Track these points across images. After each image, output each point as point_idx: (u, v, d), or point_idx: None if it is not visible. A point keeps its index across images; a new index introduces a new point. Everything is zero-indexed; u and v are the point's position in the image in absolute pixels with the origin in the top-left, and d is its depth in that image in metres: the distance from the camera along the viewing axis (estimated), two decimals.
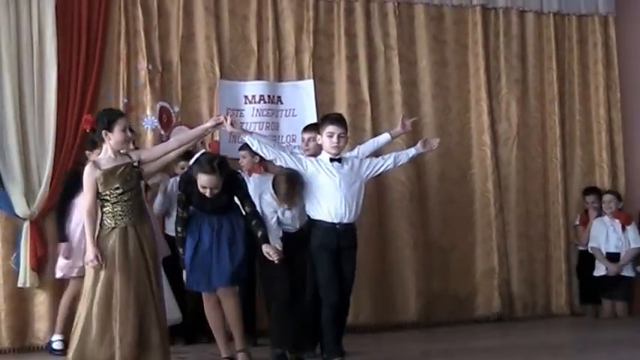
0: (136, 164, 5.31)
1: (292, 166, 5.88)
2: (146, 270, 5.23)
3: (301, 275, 5.98)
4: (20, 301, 6.73)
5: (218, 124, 5.78)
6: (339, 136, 5.88)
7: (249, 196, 5.89)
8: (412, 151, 6.29)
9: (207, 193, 5.62)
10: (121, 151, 5.27)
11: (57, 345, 6.49)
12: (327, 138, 5.89)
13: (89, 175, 5.20)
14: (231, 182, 5.77)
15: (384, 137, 6.50)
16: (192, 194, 5.70)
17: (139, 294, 5.15)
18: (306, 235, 5.96)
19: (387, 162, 6.12)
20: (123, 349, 5.07)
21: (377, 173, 6.18)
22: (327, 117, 6.15)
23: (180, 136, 5.89)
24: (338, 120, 6.00)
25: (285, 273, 5.88)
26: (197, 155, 5.96)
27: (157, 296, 5.29)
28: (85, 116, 5.91)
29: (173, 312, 6.34)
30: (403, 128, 6.51)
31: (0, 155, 6.66)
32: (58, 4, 6.90)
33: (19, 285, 6.60)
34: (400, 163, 6.26)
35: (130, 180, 5.24)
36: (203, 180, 5.61)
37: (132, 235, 5.20)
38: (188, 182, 5.73)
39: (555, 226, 8.51)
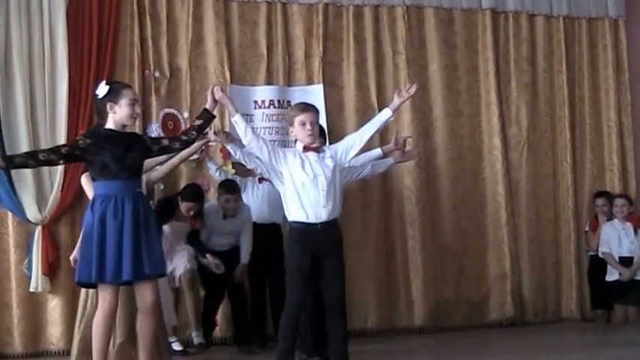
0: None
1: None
2: None
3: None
4: (33, 306, 6.80)
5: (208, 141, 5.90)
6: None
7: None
8: (390, 161, 6.18)
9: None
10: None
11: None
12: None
13: (87, 184, 5.27)
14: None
15: (376, 152, 6.18)
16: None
17: (129, 295, 5.12)
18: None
19: (365, 170, 5.97)
20: (116, 350, 5.22)
21: (353, 180, 6.00)
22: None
23: (182, 153, 5.74)
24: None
25: None
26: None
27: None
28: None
29: (170, 317, 6.43)
30: (396, 145, 6.16)
31: None
32: (69, 13, 6.97)
33: (32, 290, 6.67)
34: (377, 172, 6.21)
35: None
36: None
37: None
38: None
39: (566, 230, 8.48)
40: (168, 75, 7.35)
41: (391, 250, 7.88)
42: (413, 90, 5.62)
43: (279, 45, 7.67)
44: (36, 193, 6.76)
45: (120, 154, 4.79)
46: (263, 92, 7.57)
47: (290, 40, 7.74)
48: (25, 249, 6.83)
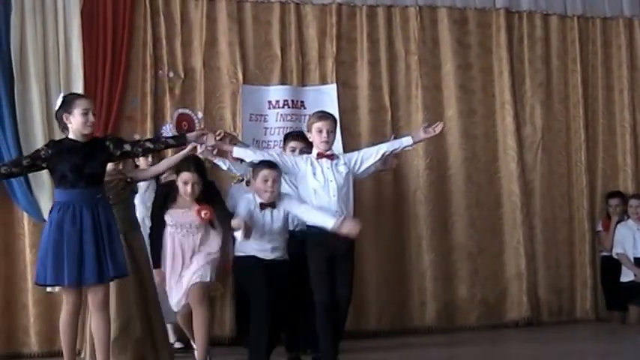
0: (129, 180, 5.82)
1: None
2: (137, 275, 5.70)
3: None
4: (49, 306, 6.80)
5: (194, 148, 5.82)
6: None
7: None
8: (408, 141, 5.99)
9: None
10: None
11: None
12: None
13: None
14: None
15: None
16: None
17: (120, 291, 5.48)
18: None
19: (378, 154, 5.93)
20: (112, 345, 5.46)
21: (365, 167, 5.97)
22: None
23: (170, 159, 6.04)
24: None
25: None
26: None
27: (153, 300, 5.87)
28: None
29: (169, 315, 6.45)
30: (425, 132, 6.04)
31: None
32: (83, 13, 6.99)
33: (48, 290, 6.63)
34: (391, 153, 6.05)
35: (123, 193, 5.75)
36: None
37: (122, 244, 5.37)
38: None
39: (580, 230, 8.46)
40: (182, 75, 7.37)
41: (403, 250, 7.88)
42: (439, 129, 5.91)
43: (293, 45, 7.68)
44: (51, 194, 6.73)
45: (78, 163, 5.05)
46: (277, 92, 7.57)
47: (304, 41, 7.74)
48: None
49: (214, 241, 5.97)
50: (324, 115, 5.96)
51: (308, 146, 6.11)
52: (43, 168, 5.19)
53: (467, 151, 8.16)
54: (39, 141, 6.74)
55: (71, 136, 5.20)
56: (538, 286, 8.29)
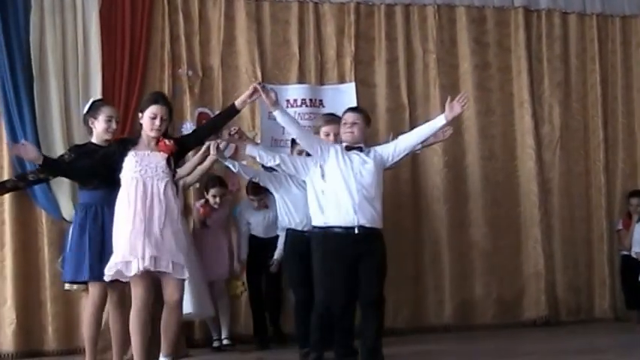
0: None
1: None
2: None
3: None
4: (67, 303, 6.82)
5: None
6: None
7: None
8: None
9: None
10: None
11: None
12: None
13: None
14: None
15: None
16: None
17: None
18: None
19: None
20: None
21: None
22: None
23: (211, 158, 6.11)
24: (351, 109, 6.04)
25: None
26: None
27: None
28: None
29: (206, 308, 6.59)
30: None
31: None
32: (102, 12, 7.01)
33: (66, 288, 6.63)
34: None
35: None
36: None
37: None
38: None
39: (598, 229, 8.42)
40: (200, 74, 7.38)
41: (420, 248, 7.87)
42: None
43: (311, 44, 7.69)
44: (70, 192, 6.75)
45: (88, 176, 5.40)
46: (295, 91, 7.58)
47: (322, 39, 7.75)
48: (59, 247, 6.81)
49: None
50: (332, 120, 6.12)
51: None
52: (62, 175, 5.54)
53: (484, 150, 8.15)
54: (57, 139, 6.80)
55: (94, 140, 5.57)
56: (556, 285, 8.26)
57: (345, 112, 5.95)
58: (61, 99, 6.87)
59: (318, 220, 5.70)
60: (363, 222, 5.54)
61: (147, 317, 5.10)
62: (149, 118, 5.19)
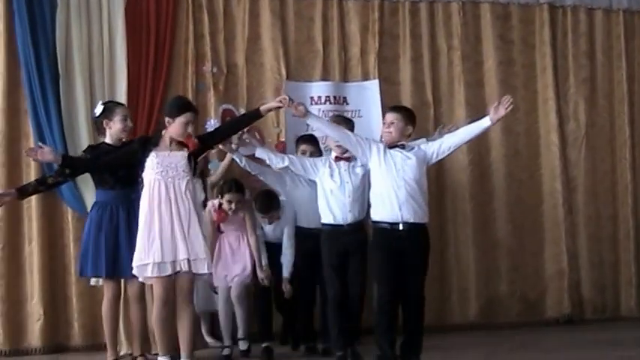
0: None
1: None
2: None
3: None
4: (93, 299, 6.78)
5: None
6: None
7: None
8: (486, 122, 5.66)
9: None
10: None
11: None
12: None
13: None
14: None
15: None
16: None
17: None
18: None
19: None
20: None
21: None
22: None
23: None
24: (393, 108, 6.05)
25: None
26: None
27: None
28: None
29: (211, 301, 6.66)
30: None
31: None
32: (127, 9, 7.01)
33: (92, 284, 6.65)
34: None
35: None
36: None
37: None
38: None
39: (624, 227, 8.33)
40: (225, 71, 7.37)
41: (445, 246, 7.84)
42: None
43: (335, 41, 7.67)
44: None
45: (110, 170, 5.61)
46: (319, 88, 7.56)
47: (346, 37, 7.72)
48: None
49: None
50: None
51: (317, 151, 6.63)
52: (84, 172, 5.71)
53: (508, 147, 8.09)
54: (83, 136, 6.81)
55: (107, 140, 5.80)
56: (581, 283, 8.20)
57: (387, 110, 6.03)
58: (86, 96, 6.87)
59: (328, 219, 6.03)
60: (408, 217, 5.58)
61: (169, 312, 5.26)
62: (183, 124, 5.29)
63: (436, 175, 7.70)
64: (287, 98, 5.61)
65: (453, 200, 7.86)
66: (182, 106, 5.41)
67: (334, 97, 7.55)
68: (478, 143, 7.80)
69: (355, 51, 7.72)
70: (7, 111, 6.83)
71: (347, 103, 7.59)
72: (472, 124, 5.84)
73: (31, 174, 6.78)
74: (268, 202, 6.45)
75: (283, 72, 7.46)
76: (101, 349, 6.64)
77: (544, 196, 8.18)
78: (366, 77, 7.71)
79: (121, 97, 6.90)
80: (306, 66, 7.60)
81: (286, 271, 6.50)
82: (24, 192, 5.53)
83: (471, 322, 7.76)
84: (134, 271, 5.23)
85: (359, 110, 7.60)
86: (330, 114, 7.42)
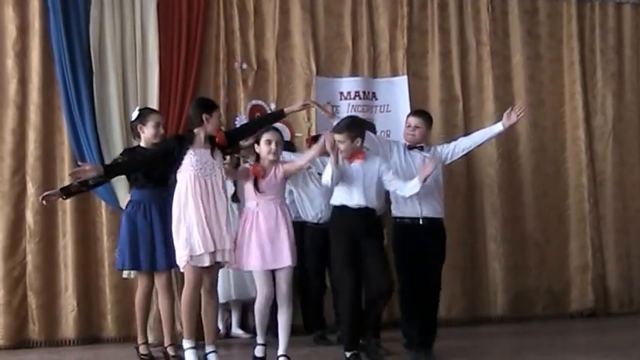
0: None
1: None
2: None
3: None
4: (125, 291, 6.82)
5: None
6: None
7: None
8: (499, 127, 5.97)
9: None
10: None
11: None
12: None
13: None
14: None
15: (497, 128, 6.02)
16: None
17: None
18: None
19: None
20: None
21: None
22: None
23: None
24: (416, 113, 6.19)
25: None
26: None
27: None
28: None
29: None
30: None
31: (106, 151, 6.79)
32: (159, 7, 7.03)
33: (124, 276, 6.68)
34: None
35: None
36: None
37: None
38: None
39: None
40: (255, 67, 7.38)
41: (474, 239, 7.83)
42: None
43: (364, 37, 7.67)
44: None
45: (148, 168, 5.71)
46: (348, 84, 7.57)
47: (375, 32, 7.74)
48: (118, 237, 6.80)
49: None
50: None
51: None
52: (119, 173, 5.91)
53: (535, 142, 8.09)
54: (116, 132, 6.84)
55: (142, 144, 5.96)
56: (607, 276, 8.16)
57: (410, 114, 6.16)
58: (119, 92, 6.90)
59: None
60: (427, 213, 5.76)
61: (198, 299, 5.41)
62: (218, 118, 5.47)
63: (467, 169, 7.72)
64: (313, 101, 5.98)
65: (482, 194, 7.84)
66: (212, 101, 5.66)
67: (363, 93, 7.57)
68: (506, 137, 7.79)
69: (384, 46, 7.72)
70: (42, 107, 6.86)
71: (376, 99, 7.61)
72: (486, 129, 6.18)
73: (64, 167, 6.85)
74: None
75: (313, 68, 7.47)
76: (134, 340, 6.62)
77: (570, 190, 8.17)
78: (394, 73, 7.71)
79: (153, 92, 6.95)
80: (335, 62, 7.61)
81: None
82: (68, 192, 5.66)
83: (500, 316, 7.75)
84: (183, 262, 5.27)
85: (387, 105, 7.61)
86: (360, 109, 7.49)
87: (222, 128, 5.63)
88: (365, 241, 5.53)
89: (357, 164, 5.62)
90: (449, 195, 7.38)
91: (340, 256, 5.56)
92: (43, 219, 6.81)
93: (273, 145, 5.42)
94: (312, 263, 6.54)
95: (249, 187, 5.47)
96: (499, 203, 7.82)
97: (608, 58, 8.27)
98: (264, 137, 5.45)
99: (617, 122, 8.26)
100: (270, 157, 5.43)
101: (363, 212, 5.55)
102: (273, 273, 5.42)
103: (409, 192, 5.56)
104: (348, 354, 5.48)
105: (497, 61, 7.94)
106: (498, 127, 5.96)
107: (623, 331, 7.21)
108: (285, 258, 5.40)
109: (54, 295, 6.85)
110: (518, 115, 5.88)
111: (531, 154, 8.04)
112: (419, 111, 6.32)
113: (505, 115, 5.94)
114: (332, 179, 5.46)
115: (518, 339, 6.99)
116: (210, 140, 5.39)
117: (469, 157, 7.49)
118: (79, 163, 5.87)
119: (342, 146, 5.52)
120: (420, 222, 5.75)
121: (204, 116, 5.34)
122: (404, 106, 7.50)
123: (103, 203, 6.89)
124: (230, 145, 5.56)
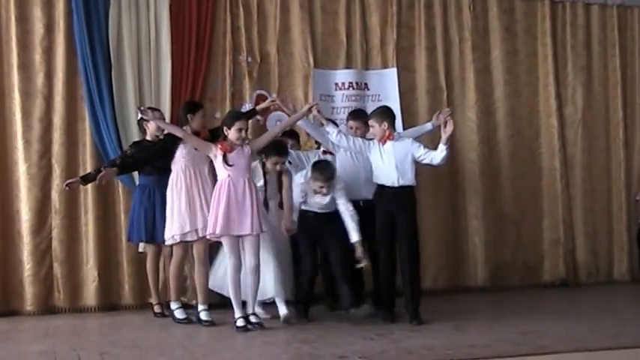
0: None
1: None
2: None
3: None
4: (141, 264, 6.85)
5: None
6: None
7: None
8: (429, 126, 6.68)
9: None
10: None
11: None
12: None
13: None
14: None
15: (428, 127, 6.73)
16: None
17: None
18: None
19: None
20: None
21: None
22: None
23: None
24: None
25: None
26: None
27: None
28: None
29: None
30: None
31: (124, 136, 6.90)
32: (172, 6, 7.12)
33: (140, 250, 6.81)
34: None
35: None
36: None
37: None
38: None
39: (617, 200, 8.45)
40: (258, 60, 7.46)
41: (457, 217, 7.95)
42: (446, 116, 6.26)
43: (357, 33, 7.75)
44: None
45: (153, 161, 6.23)
46: (343, 75, 7.66)
47: (367, 29, 7.81)
48: None
49: None
50: (358, 115, 6.61)
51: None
52: (132, 170, 6.45)
53: (512, 128, 8.19)
54: (132, 120, 6.93)
55: (148, 137, 6.50)
56: (577, 250, 8.31)
57: (348, 117, 6.67)
58: (135, 83, 7.00)
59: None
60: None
61: (183, 269, 6.46)
62: (202, 119, 6.21)
63: (451, 154, 7.65)
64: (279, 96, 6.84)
65: (464, 176, 7.95)
66: (196, 103, 6.45)
67: (356, 83, 7.65)
68: (486, 123, 8.00)
69: (375, 42, 7.79)
70: (66, 97, 6.94)
71: (368, 89, 7.69)
72: (418, 127, 6.91)
73: (87, 153, 6.96)
74: (330, 171, 5.99)
75: (311, 61, 7.55)
76: (149, 307, 6.81)
77: (543, 173, 8.28)
78: (385, 66, 7.79)
79: (166, 84, 7.04)
80: (331, 55, 7.68)
81: (356, 235, 5.95)
82: (86, 179, 6.08)
83: (481, 286, 7.88)
84: (174, 238, 6.05)
85: (378, 95, 7.71)
86: (353, 98, 7.60)
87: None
88: (399, 217, 5.95)
89: (388, 145, 5.98)
90: (435, 177, 7.61)
91: (378, 231, 6.01)
92: (66, 198, 6.87)
93: (243, 133, 5.81)
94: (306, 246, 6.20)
95: (219, 162, 5.80)
96: (480, 184, 7.94)
97: (577, 53, 8.39)
98: (237, 125, 5.77)
99: (586, 111, 8.38)
100: (239, 142, 5.79)
101: (399, 189, 5.96)
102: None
103: (440, 157, 5.95)
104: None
105: (478, 55, 8.03)
106: (428, 127, 6.68)
107: (591, 299, 7.40)
108: (247, 225, 5.68)
109: (77, 267, 6.93)
110: (445, 118, 6.17)
111: (509, 140, 8.14)
112: (355, 112, 6.68)
113: (434, 116, 6.57)
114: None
115: (497, 306, 7.15)
116: (196, 136, 6.03)
117: (452, 142, 7.59)
118: (101, 169, 6.03)
119: (372, 130, 6.05)
120: (361, 204, 6.17)
121: (188, 116, 6.09)
122: (394, 96, 7.65)
123: (120, 184, 6.98)
124: (213, 140, 5.99)
